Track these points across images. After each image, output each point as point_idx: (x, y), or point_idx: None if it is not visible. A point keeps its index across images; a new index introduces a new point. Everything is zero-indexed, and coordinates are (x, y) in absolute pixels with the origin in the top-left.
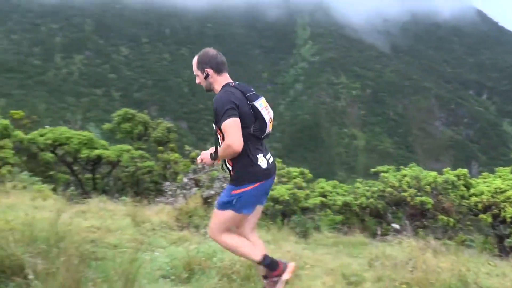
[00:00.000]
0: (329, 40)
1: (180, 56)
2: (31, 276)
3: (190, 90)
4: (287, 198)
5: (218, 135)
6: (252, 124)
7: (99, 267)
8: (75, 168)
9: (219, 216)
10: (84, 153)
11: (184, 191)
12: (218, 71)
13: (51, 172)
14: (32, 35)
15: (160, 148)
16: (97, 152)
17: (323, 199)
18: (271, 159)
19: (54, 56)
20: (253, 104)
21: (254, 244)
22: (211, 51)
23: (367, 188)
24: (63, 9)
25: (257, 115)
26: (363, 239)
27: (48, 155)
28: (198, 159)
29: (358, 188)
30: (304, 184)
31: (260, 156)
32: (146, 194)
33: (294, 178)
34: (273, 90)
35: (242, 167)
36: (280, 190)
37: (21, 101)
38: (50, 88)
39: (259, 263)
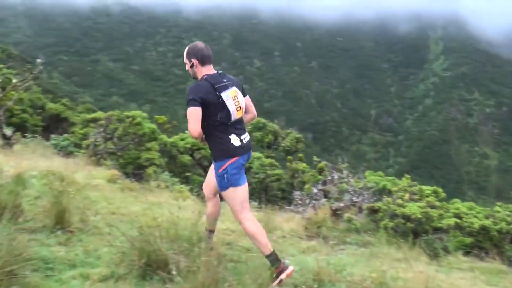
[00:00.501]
0: (462, 55)
1: (309, 69)
2: (174, 272)
3: (318, 102)
4: (419, 216)
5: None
6: (219, 112)
7: (234, 269)
8: None
9: (227, 197)
10: None
11: (314, 201)
12: (202, 62)
13: (188, 174)
14: (176, 47)
15: (289, 157)
16: None
17: (458, 220)
18: (247, 139)
19: None
20: (220, 95)
21: (214, 204)
22: (200, 44)
23: (508, 212)
24: (205, 24)
25: (223, 104)
26: (501, 266)
27: (186, 158)
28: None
29: (498, 212)
30: (437, 203)
31: (232, 136)
32: (273, 201)
33: (427, 196)
34: (401, 105)
35: (216, 146)
36: (412, 208)
37: (164, 107)
38: None
39: (267, 256)
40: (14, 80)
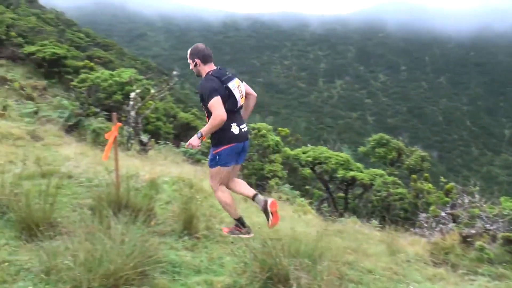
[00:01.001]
0: None
1: (437, 84)
2: None
3: (445, 119)
4: None
5: (205, 113)
6: (227, 102)
7: None
8: (330, 186)
9: (212, 172)
10: (340, 173)
11: (441, 225)
12: (204, 61)
13: (307, 187)
14: (301, 61)
15: (413, 176)
16: (352, 173)
17: None
18: (245, 129)
19: (317, 80)
20: (227, 85)
21: (236, 183)
22: (200, 45)
23: None
24: (330, 38)
25: (230, 94)
26: None
27: (307, 171)
28: (186, 145)
29: None
30: None
31: (233, 125)
32: (395, 221)
33: None
34: None
35: (219, 132)
36: None
37: (286, 119)
38: (311, 109)
39: (235, 219)
40: (152, 91)
